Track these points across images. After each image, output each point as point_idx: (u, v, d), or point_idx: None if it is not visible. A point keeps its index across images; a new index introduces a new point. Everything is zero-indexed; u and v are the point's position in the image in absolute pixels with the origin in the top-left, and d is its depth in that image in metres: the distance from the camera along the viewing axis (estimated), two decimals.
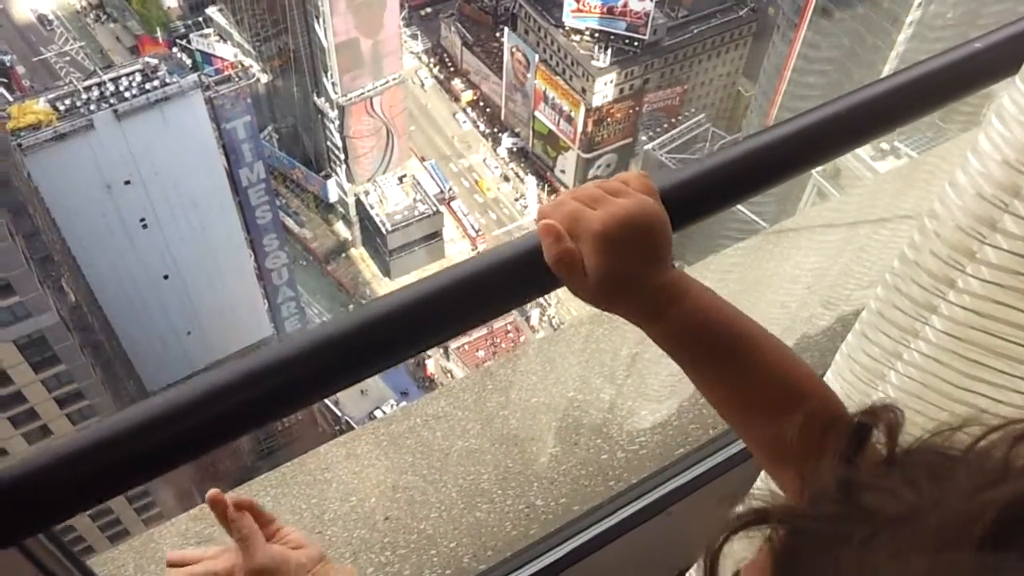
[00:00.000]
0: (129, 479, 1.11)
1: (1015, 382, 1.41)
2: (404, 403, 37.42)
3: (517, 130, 69.26)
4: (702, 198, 1.32)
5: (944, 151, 3.73)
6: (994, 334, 1.40)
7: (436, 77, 72.84)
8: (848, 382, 1.68)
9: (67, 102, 40.60)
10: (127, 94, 41.13)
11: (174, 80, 41.99)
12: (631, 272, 1.17)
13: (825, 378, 1.82)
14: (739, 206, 1.69)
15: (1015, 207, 1.29)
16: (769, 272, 3.54)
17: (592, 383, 3.26)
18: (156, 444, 1.09)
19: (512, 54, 65.36)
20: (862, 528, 0.66)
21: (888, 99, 1.44)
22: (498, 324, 52.77)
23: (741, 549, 0.76)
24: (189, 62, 45.94)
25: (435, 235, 62.14)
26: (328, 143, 61.34)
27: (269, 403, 1.16)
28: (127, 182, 42.27)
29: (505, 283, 1.25)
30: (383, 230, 60.21)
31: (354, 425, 40.67)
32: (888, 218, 3.31)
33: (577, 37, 60.92)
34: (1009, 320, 1.37)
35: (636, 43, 59.99)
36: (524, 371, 3.36)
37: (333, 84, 56.38)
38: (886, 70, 48.49)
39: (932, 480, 0.68)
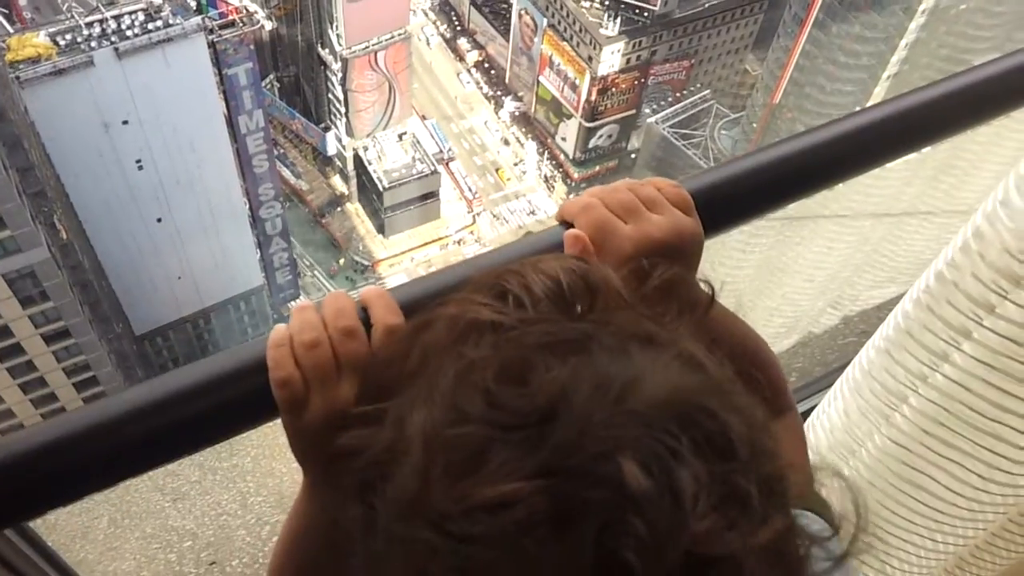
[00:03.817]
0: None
1: None
2: None
3: (520, 94, 68.77)
4: (741, 202, 1.20)
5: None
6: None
7: (442, 35, 72.13)
8: (866, 400, 1.60)
9: (67, 37, 40.08)
10: (129, 33, 40.60)
11: (177, 21, 41.45)
12: None
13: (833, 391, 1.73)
14: None
15: None
16: (785, 259, 3.43)
17: None
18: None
19: (520, 17, 64.70)
20: None
21: (946, 102, 1.33)
22: None
23: None
24: (193, 4, 45.19)
25: (432, 195, 61.89)
26: (329, 95, 60.81)
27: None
28: (125, 122, 41.86)
29: None
30: (380, 187, 59.91)
31: None
32: (911, 212, 3.19)
33: (587, 3, 60.27)
34: None
35: (646, 13, 59.38)
36: None
37: (338, 36, 55.75)
38: (894, 60, 48.26)
39: None
